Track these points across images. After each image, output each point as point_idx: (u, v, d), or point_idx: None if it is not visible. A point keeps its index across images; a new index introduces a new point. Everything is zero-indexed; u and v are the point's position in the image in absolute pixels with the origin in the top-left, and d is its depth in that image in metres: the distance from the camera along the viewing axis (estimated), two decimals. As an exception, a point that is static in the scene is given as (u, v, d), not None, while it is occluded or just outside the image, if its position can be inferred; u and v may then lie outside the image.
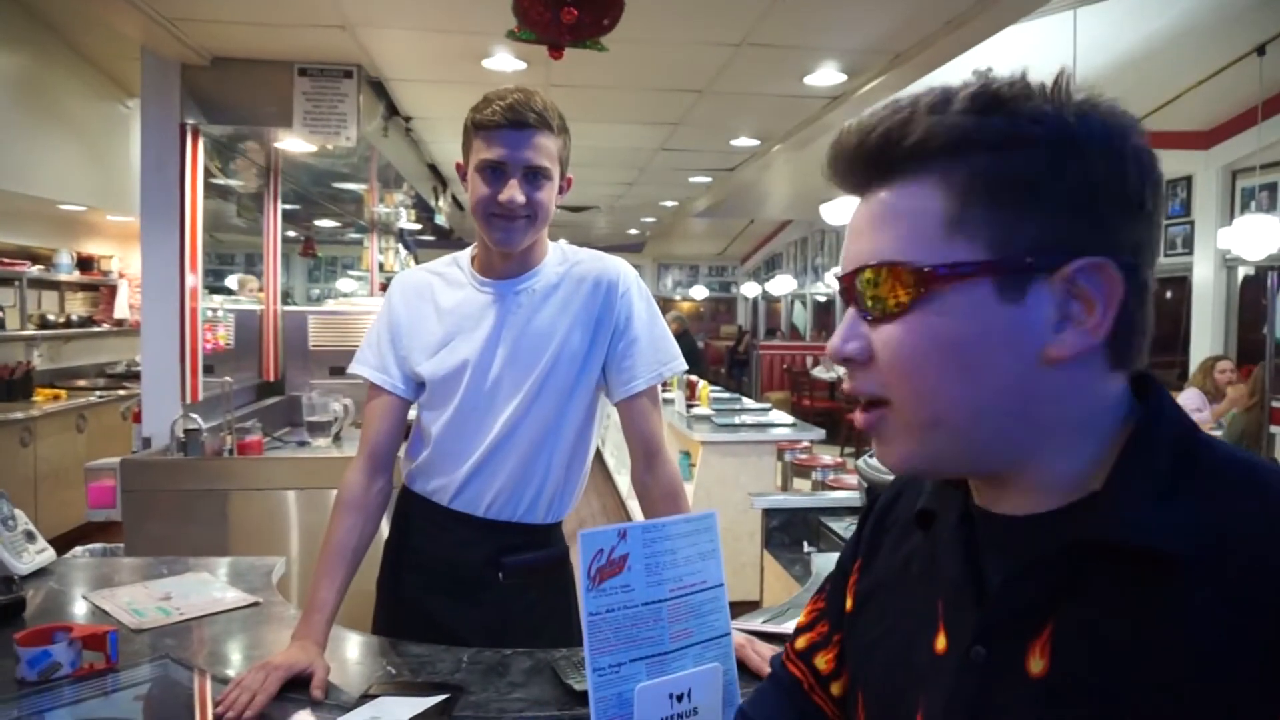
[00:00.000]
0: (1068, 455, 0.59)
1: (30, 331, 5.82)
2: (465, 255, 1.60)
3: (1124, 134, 0.57)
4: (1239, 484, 0.54)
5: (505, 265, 1.54)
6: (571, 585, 1.66)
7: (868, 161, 0.60)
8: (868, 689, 0.72)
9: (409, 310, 1.58)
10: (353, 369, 1.59)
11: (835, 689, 0.78)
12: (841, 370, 0.63)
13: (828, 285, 11.79)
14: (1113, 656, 0.53)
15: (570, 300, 1.54)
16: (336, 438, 3.64)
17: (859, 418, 0.62)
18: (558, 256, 1.58)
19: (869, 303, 0.59)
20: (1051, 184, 0.55)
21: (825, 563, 2.10)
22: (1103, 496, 0.56)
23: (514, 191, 1.43)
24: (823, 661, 0.80)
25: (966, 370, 0.57)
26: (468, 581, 1.56)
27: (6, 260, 5.52)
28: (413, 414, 1.63)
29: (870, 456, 2.53)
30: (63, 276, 6.15)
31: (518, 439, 1.52)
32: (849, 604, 0.77)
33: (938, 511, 0.68)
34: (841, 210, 6.62)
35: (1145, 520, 0.53)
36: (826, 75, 3.74)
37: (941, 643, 0.63)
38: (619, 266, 1.58)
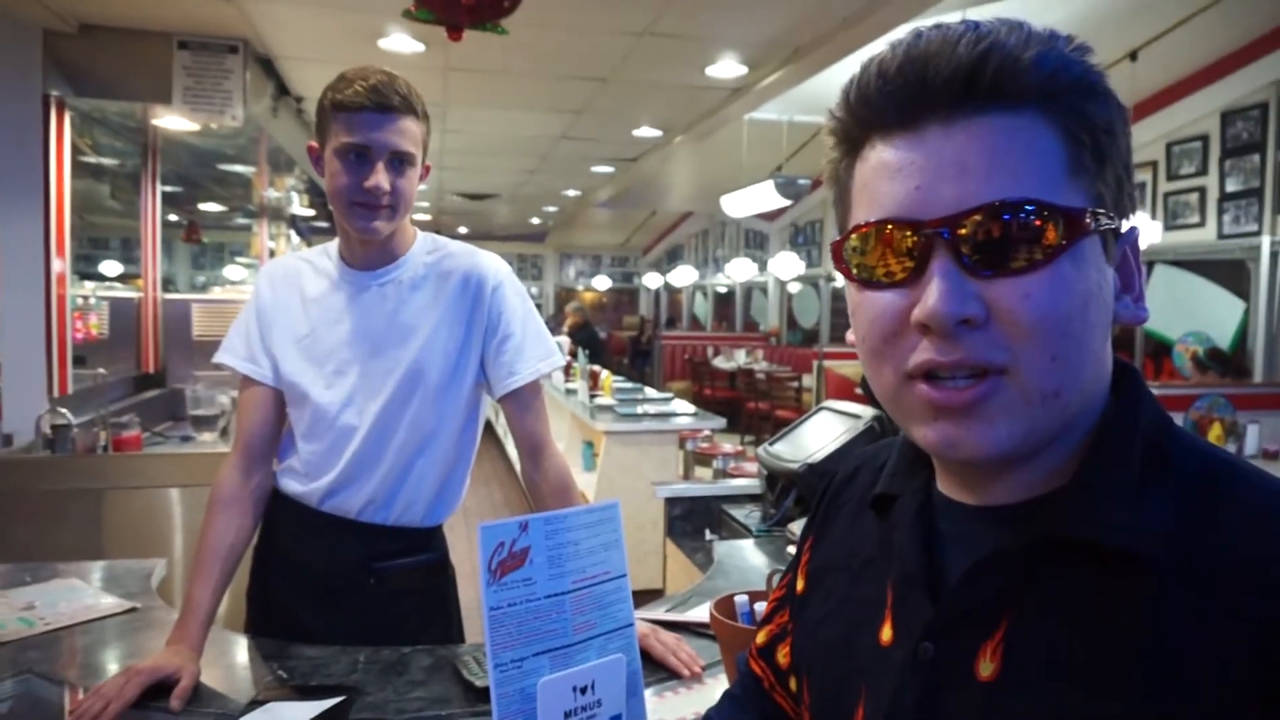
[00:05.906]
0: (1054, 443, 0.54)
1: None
2: (336, 244, 1.54)
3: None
4: (1213, 481, 0.51)
5: (368, 254, 1.48)
6: (452, 591, 1.61)
7: (969, 81, 0.50)
8: (811, 674, 0.68)
9: (276, 298, 1.51)
10: (219, 358, 1.52)
11: (794, 684, 0.72)
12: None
13: (728, 276, 11.91)
14: (1068, 664, 0.49)
15: (438, 295, 1.48)
16: (224, 432, 3.51)
17: (958, 395, 0.51)
18: (426, 245, 1.53)
19: (1001, 250, 0.50)
20: (1120, 139, 0.52)
21: (726, 550, 2.12)
22: (1070, 492, 0.52)
23: (379, 178, 1.37)
24: (782, 655, 0.74)
25: (1091, 331, 0.52)
26: (339, 589, 1.49)
27: None
28: None
29: (771, 444, 2.57)
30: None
31: (390, 441, 1.46)
32: (800, 585, 0.73)
33: (898, 495, 0.63)
34: (741, 202, 6.68)
35: (1116, 520, 0.50)
36: (728, 67, 3.78)
37: (888, 634, 0.59)
38: (490, 261, 1.53)
